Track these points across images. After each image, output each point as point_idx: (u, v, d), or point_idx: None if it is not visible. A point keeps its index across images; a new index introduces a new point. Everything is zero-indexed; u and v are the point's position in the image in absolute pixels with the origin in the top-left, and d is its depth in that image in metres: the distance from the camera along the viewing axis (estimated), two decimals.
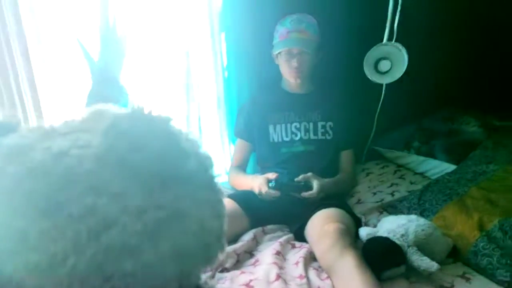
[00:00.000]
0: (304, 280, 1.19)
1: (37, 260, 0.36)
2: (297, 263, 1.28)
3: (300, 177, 1.53)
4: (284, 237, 1.45)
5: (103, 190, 0.38)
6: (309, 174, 1.54)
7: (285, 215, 1.55)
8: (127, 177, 0.39)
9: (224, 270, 1.28)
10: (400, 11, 1.61)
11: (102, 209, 0.37)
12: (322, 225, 1.33)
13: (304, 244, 1.41)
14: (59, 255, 0.36)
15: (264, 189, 1.49)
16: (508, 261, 1.19)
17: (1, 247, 0.36)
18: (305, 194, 1.49)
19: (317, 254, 1.29)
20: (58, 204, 0.37)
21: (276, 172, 1.57)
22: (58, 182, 0.37)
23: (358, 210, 1.63)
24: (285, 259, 1.33)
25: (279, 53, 1.70)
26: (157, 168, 0.40)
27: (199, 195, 0.44)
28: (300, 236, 1.46)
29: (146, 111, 0.41)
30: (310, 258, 1.33)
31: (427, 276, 1.19)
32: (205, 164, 0.46)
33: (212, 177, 0.47)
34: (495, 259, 1.22)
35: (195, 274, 0.47)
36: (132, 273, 0.38)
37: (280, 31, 1.71)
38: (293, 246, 1.42)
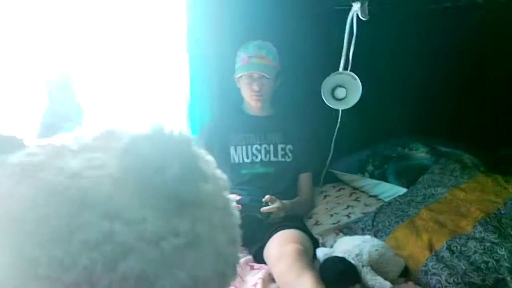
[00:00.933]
0: None
1: None
2: (255, 285, 1.28)
3: (267, 197, 1.55)
4: (243, 259, 1.45)
5: (120, 215, 0.35)
6: (268, 196, 1.56)
7: (244, 236, 1.53)
8: (144, 201, 0.37)
9: None
10: (355, 42, 1.71)
11: (119, 235, 0.35)
12: (281, 246, 1.35)
13: (262, 265, 1.42)
14: (72, 286, 0.33)
15: None
16: (455, 280, 1.25)
17: (10, 275, 0.33)
18: (265, 208, 1.50)
19: (276, 275, 1.31)
20: (71, 230, 0.34)
21: (236, 192, 1.58)
22: (72, 206, 0.35)
23: (315, 231, 1.67)
24: (243, 281, 1.33)
25: (241, 76, 1.75)
26: (176, 192, 0.37)
27: (215, 219, 0.41)
28: (259, 258, 1.47)
29: (166, 131, 0.38)
30: (269, 280, 1.34)
31: None
32: (220, 186, 0.44)
33: (227, 200, 0.45)
34: (443, 278, 1.28)
35: None
36: None
37: (242, 56, 1.77)
38: (252, 268, 1.42)
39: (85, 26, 1.58)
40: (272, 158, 1.79)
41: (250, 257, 1.50)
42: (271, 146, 1.80)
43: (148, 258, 0.35)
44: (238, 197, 1.54)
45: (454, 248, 1.36)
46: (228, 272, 0.43)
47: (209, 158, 0.44)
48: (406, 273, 1.36)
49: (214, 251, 0.40)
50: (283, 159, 1.80)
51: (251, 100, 1.77)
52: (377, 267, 1.29)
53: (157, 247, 0.36)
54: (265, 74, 1.71)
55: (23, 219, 0.34)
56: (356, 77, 1.75)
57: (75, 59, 1.58)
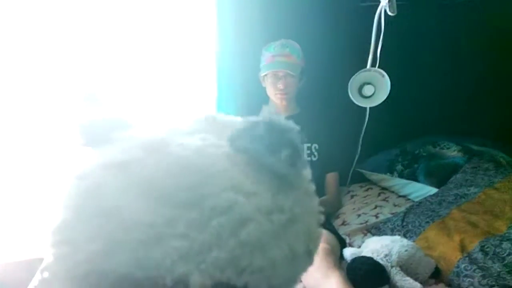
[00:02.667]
0: None
1: (188, 247, 0.36)
2: None
3: None
4: None
5: (239, 188, 0.40)
6: None
7: None
8: (255, 178, 0.41)
9: None
10: (383, 38, 1.67)
11: (241, 206, 0.39)
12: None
13: None
14: (205, 245, 0.37)
15: None
16: (489, 282, 1.21)
17: (151, 232, 0.36)
18: None
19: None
20: (203, 196, 0.38)
21: None
22: (200, 177, 0.39)
23: (342, 231, 1.65)
24: None
25: (265, 75, 1.75)
26: (285, 173, 0.42)
27: (306, 202, 0.46)
28: None
29: (278, 119, 0.43)
30: None
31: None
32: (309, 174, 0.49)
33: (313, 187, 0.49)
34: (476, 280, 1.23)
35: (297, 281, 0.48)
36: (261, 269, 0.39)
37: (266, 55, 1.77)
38: None
39: (117, 23, 1.62)
40: None
41: None
42: None
43: (262, 228, 0.39)
44: None
45: (488, 249, 1.31)
46: (314, 251, 0.47)
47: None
48: (437, 275, 1.32)
49: (306, 231, 0.44)
50: (308, 159, 1.79)
51: (276, 99, 1.77)
52: (407, 268, 1.26)
53: (268, 219, 0.40)
54: (289, 72, 1.71)
55: (159, 184, 0.39)
56: (385, 73, 1.72)
57: (105, 63, 1.63)
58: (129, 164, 0.41)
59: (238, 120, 0.50)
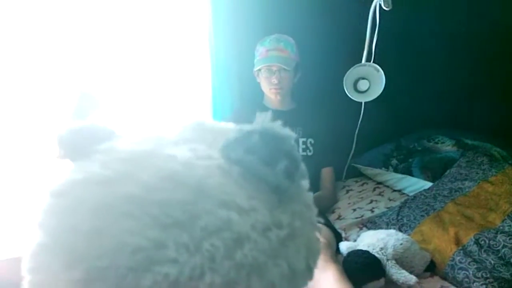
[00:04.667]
0: None
1: (178, 273, 0.33)
2: None
3: None
4: None
5: (233, 204, 0.37)
6: None
7: None
8: (250, 192, 0.38)
9: None
10: (378, 33, 1.68)
11: (235, 224, 0.36)
12: None
13: None
14: (197, 270, 0.34)
15: None
16: (484, 274, 1.22)
17: (138, 256, 0.33)
18: None
19: None
20: (193, 215, 0.35)
21: None
22: (192, 193, 0.36)
23: (338, 225, 1.65)
24: None
25: (259, 70, 1.75)
26: (282, 185, 0.39)
27: (306, 215, 0.43)
28: None
29: (273, 128, 0.40)
30: None
31: None
32: (307, 185, 0.46)
33: (312, 198, 0.47)
34: (471, 272, 1.24)
35: None
36: None
37: (260, 49, 1.77)
38: None
39: (109, 22, 1.61)
40: None
41: None
42: None
43: (259, 248, 0.36)
44: None
45: (482, 242, 1.32)
46: (314, 266, 0.44)
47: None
48: (432, 267, 1.33)
49: (307, 246, 0.42)
50: (304, 153, 1.79)
51: (271, 94, 1.77)
52: (402, 261, 1.27)
53: (265, 237, 0.37)
54: (283, 66, 1.70)
55: (146, 202, 0.35)
56: (379, 68, 1.73)
57: (98, 61, 1.62)
58: (111, 179, 0.37)
59: (230, 128, 0.46)
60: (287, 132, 0.40)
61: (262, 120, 0.40)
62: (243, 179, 0.38)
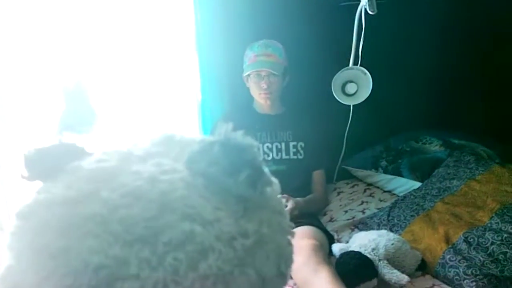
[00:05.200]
0: None
1: None
2: None
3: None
4: None
5: (197, 216, 0.37)
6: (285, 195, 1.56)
7: None
8: (215, 203, 0.39)
9: None
10: (364, 37, 1.70)
11: (199, 236, 0.36)
12: (296, 242, 1.34)
13: None
14: (159, 284, 0.34)
15: None
16: (474, 272, 1.24)
17: (101, 274, 0.34)
18: None
19: (292, 271, 1.30)
20: (156, 231, 0.36)
21: None
22: (154, 208, 0.37)
23: (330, 227, 1.67)
24: None
25: (249, 75, 1.76)
26: (246, 194, 0.39)
27: (275, 221, 0.43)
28: None
29: (234, 137, 0.40)
30: None
31: None
32: (276, 190, 0.46)
33: (282, 203, 0.47)
34: (461, 270, 1.27)
35: None
36: None
37: (249, 55, 1.78)
38: None
39: (96, 28, 1.61)
40: (284, 156, 1.79)
41: None
42: (283, 144, 1.80)
43: (224, 258, 0.37)
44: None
45: (471, 240, 1.35)
46: (287, 272, 0.44)
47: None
48: (423, 266, 1.35)
49: (276, 252, 0.42)
50: (295, 157, 1.80)
51: (260, 98, 1.78)
52: (394, 260, 1.29)
53: (230, 246, 0.37)
54: (272, 71, 1.72)
55: (109, 220, 0.36)
56: (366, 71, 1.75)
57: (88, 65, 1.62)
58: (75, 199, 0.38)
59: (197, 139, 0.46)
60: (249, 141, 0.40)
61: (224, 131, 0.40)
62: (208, 190, 0.39)
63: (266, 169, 0.42)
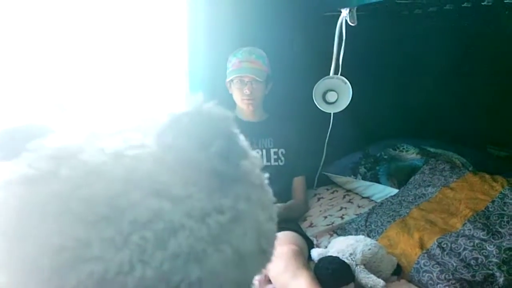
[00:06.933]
0: None
1: (103, 270, 0.32)
2: None
3: None
4: None
5: (166, 193, 0.35)
6: None
7: None
8: (187, 178, 0.36)
9: None
10: (345, 47, 1.75)
11: (167, 213, 0.34)
12: (276, 247, 1.37)
13: None
14: (125, 265, 0.33)
15: None
16: (447, 276, 1.29)
17: (62, 257, 0.32)
18: None
19: (272, 276, 1.33)
20: (121, 209, 0.33)
21: None
22: (118, 186, 0.34)
23: (310, 233, 1.69)
24: None
25: (232, 81, 1.78)
26: (219, 168, 0.37)
27: (253, 196, 0.41)
28: None
29: (206, 108, 0.38)
30: (265, 281, 1.36)
31: None
32: (255, 164, 0.44)
33: (263, 177, 0.45)
34: (435, 274, 1.31)
35: (251, 282, 0.44)
36: (199, 280, 0.35)
37: (233, 61, 1.80)
38: None
39: (86, 27, 1.60)
40: (265, 163, 1.81)
41: None
42: (264, 151, 1.83)
43: (196, 235, 0.35)
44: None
45: (445, 246, 1.39)
46: (269, 248, 0.43)
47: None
48: (398, 271, 1.39)
49: (255, 228, 0.40)
50: (276, 163, 1.83)
51: (243, 104, 1.80)
52: (370, 265, 1.32)
53: (203, 223, 0.36)
54: (255, 77, 1.74)
55: (70, 199, 0.34)
56: (346, 81, 1.79)
57: (76, 64, 1.60)
58: (36, 179, 0.35)
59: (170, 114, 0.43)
60: (222, 111, 0.38)
61: (195, 101, 0.38)
62: (178, 165, 0.36)
63: (241, 141, 0.40)
